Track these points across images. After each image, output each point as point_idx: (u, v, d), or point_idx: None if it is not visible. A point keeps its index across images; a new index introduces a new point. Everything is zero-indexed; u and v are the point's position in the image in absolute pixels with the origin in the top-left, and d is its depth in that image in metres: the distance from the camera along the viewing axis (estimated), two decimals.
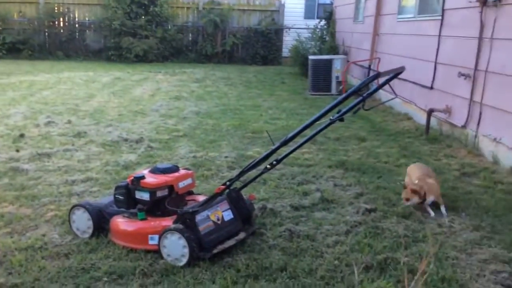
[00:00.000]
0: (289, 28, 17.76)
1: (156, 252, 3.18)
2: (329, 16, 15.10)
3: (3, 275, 2.92)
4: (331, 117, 3.10)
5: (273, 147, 3.24)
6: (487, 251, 3.28)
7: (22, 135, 6.18)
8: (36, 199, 4.13)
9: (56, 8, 16.72)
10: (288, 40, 17.25)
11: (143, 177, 3.43)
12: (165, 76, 12.99)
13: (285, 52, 17.29)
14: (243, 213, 3.58)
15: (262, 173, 3.44)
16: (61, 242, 3.38)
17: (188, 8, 17.74)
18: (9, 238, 3.42)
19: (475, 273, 2.99)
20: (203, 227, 3.22)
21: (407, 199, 3.98)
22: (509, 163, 5.10)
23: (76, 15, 17.04)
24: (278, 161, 3.34)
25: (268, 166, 3.32)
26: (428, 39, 7.36)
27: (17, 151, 5.52)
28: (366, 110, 3.11)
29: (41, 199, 4.13)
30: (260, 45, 17.66)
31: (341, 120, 3.09)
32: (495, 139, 5.41)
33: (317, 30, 14.68)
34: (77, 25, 17.06)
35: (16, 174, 4.77)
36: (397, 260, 3.07)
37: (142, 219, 3.39)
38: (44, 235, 3.47)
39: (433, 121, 6.87)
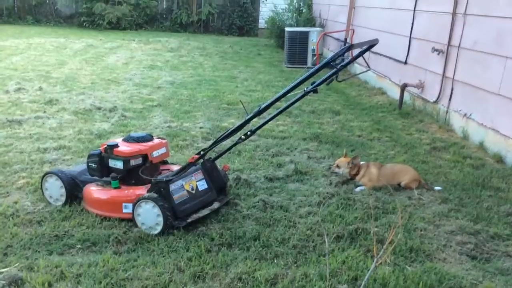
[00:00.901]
0: None
1: (130, 221, 3.19)
2: None
3: None
4: (305, 89, 3.11)
5: (247, 118, 3.25)
6: (454, 222, 3.41)
7: None
8: (7, 166, 4.06)
9: None
10: (265, 12, 17.04)
11: (116, 146, 3.41)
12: (138, 44, 12.70)
13: (262, 23, 17.11)
14: (218, 183, 3.60)
15: (236, 143, 3.44)
16: (33, 209, 3.35)
17: None
18: None
19: (442, 244, 3.11)
20: (177, 197, 3.23)
21: (338, 166, 4.14)
22: (478, 139, 5.26)
23: None
24: (252, 132, 3.35)
25: (242, 136, 3.33)
26: (403, 13, 7.40)
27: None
28: (339, 82, 3.14)
29: (12, 166, 4.06)
30: (236, 15, 17.41)
31: (315, 91, 3.11)
32: (465, 115, 5.56)
33: (294, 1, 14.54)
34: None
35: None
36: (367, 231, 3.16)
37: (115, 188, 3.38)
38: (16, 202, 3.42)
39: (406, 96, 6.98)
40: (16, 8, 16.10)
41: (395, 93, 7.40)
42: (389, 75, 7.88)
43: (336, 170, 4.16)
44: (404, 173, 4.10)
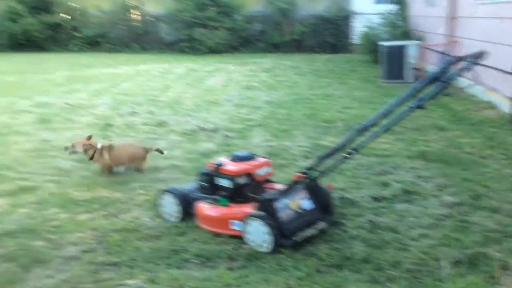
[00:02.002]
0: (359, 14, 17.32)
1: (239, 237, 3.29)
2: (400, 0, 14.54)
3: (103, 254, 3.17)
4: (410, 105, 3.01)
5: (349, 136, 3.23)
6: None
7: (108, 124, 6.58)
8: (127, 184, 4.41)
9: (128, 1, 17.41)
10: (358, 27, 16.84)
11: (223, 165, 3.56)
12: (235, 66, 13.19)
13: (355, 39, 16.91)
14: (322, 202, 3.60)
15: (340, 161, 3.43)
16: (152, 225, 3.59)
17: None
18: (106, 220, 3.69)
19: None
20: (283, 215, 3.28)
21: (73, 146, 4.46)
22: None
23: (149, 8, 17.67)
24: (356, 150, 3.31)
25: (346, 155, 3.31)
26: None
27: (105, 139, 5.88)
28: (446, 96, 3.00)
29: (131, 184, 4.40)
30: (328, 33, 17.40)
31: (422, 107, 3.00)
32: None
33: (389, 15, 14.19)
34: (151, 18, 17.72)
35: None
36: (488, 256, 2.96)
37: (224, 205, 3.51)
38: (136, 218, 3.70)
39: None
40: (124, 37, 17.53)
41: (505, 107, 6.89)
42: (498, 87, 7.36)
43: (73, 150, 4.47)
44: (133, 156, 4.60)
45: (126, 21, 17.42)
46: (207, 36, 16.30)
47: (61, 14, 17.18)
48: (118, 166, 4.72)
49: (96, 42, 17.06)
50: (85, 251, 3.22)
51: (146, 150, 4.75)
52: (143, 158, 4.70)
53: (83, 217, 3.76)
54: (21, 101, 8.17)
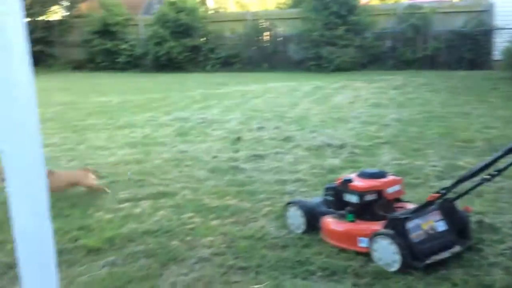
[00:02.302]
0: (502, 29, 15.90)
1: (366, 254, 3.21)
2: None
3: (232, 258, 3.33)
4: None
5: (494, 156, 2.98)
6: None
7: (238, 138, 6.93)
8: (254, 195, 4.58)
9: (261, 24, 18.27)
10: (500, 42, 15.45)
11: (351, 180, 3.52)
12: (363, 83, 12.98)
13: (496, 55, 15.53)
14: (458, 225, 3.37)
15: (479, 184, 3.19)
16: (277, 235, 3.68)
17: (386, 14, 17.43)
18: (234, 227, 3.87)
19: None
20: (414, 235, 3.14)
21: None
22: None
23: (280, 29, 18.33)
24: (499, 172, 3.05)
25: (487, 177, 3.07)
26: None
27: (236, 152, 6.21)
28: None
29: (258, 195, 4.57)
30: (466, 49, 16.22)
31: None
32: None
33: None
34: (280, 39, 18.34)
35: (236, 172, 5.37)
36: None
37: (351, 221, 3.46)
38: (262, 227, 3.82)
39: None
40: (254, 57, 18.35)
41: None
42: None
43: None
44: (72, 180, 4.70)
45: (257, 42, 18.25)
46: (335, 54, 16.33)
47: (199, 38, 18.63)
48: (57, 191, 4.58)
49: (228, 63, 18.14)
50: (215, 254, 3.41)
51: (85, 170, 4.86)
52: (85, 177, 4.74)
53: (215, 222, 3.99)
54: (162, 116, 9.00)
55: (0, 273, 3.24)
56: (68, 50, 20.22)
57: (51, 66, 19.27)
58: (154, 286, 3.02)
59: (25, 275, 2.40)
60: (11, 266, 3.28)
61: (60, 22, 20.81)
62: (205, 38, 18.74)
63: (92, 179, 4.80)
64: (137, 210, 4.32)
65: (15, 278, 3.04)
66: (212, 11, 22.21)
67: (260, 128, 7.60)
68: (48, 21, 20.84)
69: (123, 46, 19.03)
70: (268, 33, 18.33)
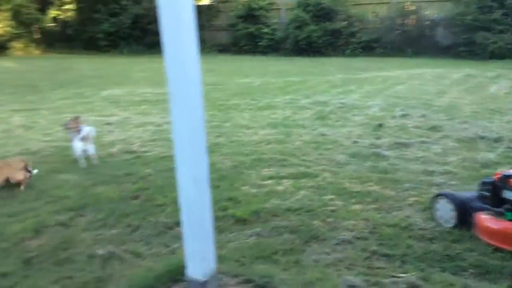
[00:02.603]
0: None
1: None
2: None
3: (375, 244, 3.29)
4: None
5: None
6: None
7: (380, 125, 6.73)
8: (398, 183, 4.44)
9: (406, 7, 17.30)
10: None
11: None
12: None
13: None
14: None
15: None
16: (424, 226, 3.53)
17: None
18: (377, 213, 3.81)
19: None
20: None
21: None
22: None
23: (427, 12, 17.17)
24: None
25: None
26: None
27: (377, 138, 6.05)
28: None
29: (402, 184, 4.41)
30: None
31: None
32: None
33: None
34: (427, 22, 17.18)
35: (378, 158, 5.25)
36: None
37: (509, 220, 3.20)
38: (408, 217, 3.70)
39: None
40: (397, 42, 17.51)
41: None
42: None
43: None
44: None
45: (401, 25, 17.37)
46: (490, 40, 14.82)
47: (340, 22, 18.36)
48: None
49: (370, 47, 17.60)
50: (357, 238, 3.41)
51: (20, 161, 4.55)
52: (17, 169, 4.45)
53: (356, 207, 3.97)
54: (302, 98, 9.12)
55: (162, 232, 3.63)
56: (215, 33, 21.48)
57: (199, 49, 20.67)
58: (298, 260, 3.13)
59: (187, 235, 2.68)
60: (171, 226, 3.67)
61: (208, 7, 22.15)
62: (346, 22, 18.41)
63: (21, 174, 4.52)
64: (280, 188, 4.48)
65: (175, 237, 3.41)
66: None
67: (404, 116, 7.29)
68: (198, 5, 22.32)
69: (265, 30, 19.64)
70: (413, 16, 17.31)
